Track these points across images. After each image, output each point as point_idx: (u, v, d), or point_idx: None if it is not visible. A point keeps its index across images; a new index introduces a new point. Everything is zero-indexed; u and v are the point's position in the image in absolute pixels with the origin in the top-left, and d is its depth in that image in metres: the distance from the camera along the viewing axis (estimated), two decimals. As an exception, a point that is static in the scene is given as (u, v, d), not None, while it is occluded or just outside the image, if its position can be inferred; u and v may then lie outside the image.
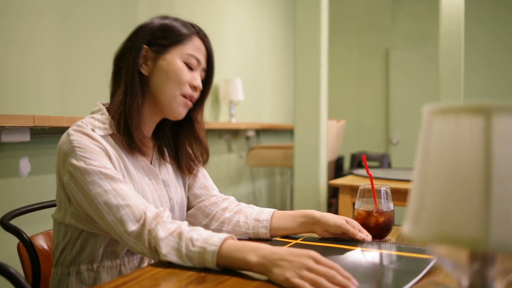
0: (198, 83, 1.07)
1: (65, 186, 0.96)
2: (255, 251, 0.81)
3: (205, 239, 0.84)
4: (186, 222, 0.90)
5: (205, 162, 1.18)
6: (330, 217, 1.06)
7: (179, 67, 1.04)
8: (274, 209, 1.13)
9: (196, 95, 1.08)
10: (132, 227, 0.88)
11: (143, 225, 0.88)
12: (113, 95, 1.06)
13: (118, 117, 1.00)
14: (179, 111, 1.06)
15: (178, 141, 1.15)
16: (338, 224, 1.04)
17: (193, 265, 0.84)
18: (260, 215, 1.11)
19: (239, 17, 3.92)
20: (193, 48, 1.06)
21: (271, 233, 1.09)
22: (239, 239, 1.09)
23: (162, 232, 0.86)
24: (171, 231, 0.87)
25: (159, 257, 0.87)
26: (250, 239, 1.10)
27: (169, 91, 1.04)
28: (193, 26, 1.08)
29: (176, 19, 1.08)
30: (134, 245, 0.89)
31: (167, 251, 0.85)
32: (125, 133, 1.00)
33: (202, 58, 1.08)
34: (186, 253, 0.84)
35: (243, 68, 3.97)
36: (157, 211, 0.90)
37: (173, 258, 0.85)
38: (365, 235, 1.05)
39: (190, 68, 1.06)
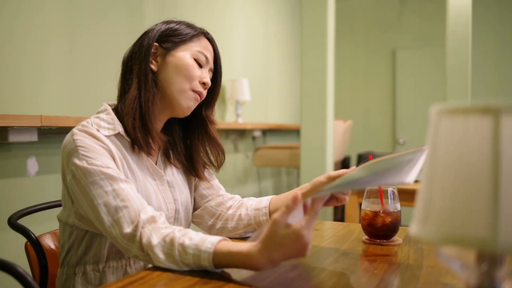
0: (208, 80, 1.09)
1: (68, 186, 0.96)
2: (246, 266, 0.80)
3: (197, 244, 0.82)
4: (179, 227, 0.89)
5: (220, 165, 1.19)
6: (318, 177, 1.08)
7: (190, 62, 1.06)
8: (271, 196, 1.16)
9: (204, 92, 1.09)
10: (127, 229, 0.88)
11: (136, 226, 0.87)
12: (122, 94, 1.06)
13: (133, 113, 1.00)
14: (188, 105, 1.07)
15: (192, 147, 1.15)
16: (327, 175, 1.06)
17: (190, 269, 0.83)
18: (259, 204, 1.14)
19: (246, 17, 3.92)
20: (201, 46, 1.09)
21: None
22: (244, 239, 1.10)
23: (155, 239, 0.85)
24: (164, 235, 0.86)
25: (152, 261, 0.86)
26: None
27: (179, 84, 1.05)
28: (200, 28, 1.11)
29: (181, 21, 1.11)
30: (128, 247, 0.88)
31: (161, 257, 0.84)
32: (141, 129, 1.00)
33: (210, 57, 1.10)
34: (181, 260, 0.83)
35: (249, 68, 3.97)
36: (153, 214, 0.89)
37: (169, 265, 0.84)
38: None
39: (199, 65, 1.08)
